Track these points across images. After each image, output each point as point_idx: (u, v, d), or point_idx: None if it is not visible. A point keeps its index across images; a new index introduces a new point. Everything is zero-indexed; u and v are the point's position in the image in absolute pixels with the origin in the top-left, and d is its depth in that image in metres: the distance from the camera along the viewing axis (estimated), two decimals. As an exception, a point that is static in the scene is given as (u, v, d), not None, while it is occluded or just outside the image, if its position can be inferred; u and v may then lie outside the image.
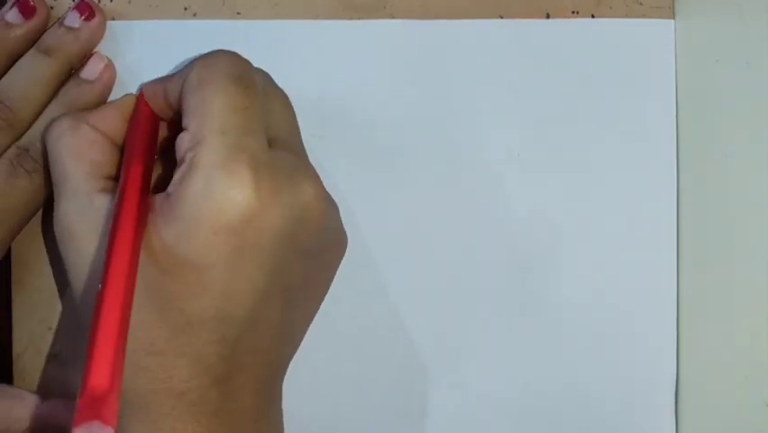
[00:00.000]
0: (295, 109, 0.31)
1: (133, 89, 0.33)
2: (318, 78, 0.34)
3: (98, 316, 0.24)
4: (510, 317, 0.35)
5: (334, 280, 0.31)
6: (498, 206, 0.35)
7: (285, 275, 0.28)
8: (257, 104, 0.27)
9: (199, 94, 0.27)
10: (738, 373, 0.31)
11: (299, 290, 0.29)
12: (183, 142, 0.27)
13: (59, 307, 0.34)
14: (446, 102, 0.34)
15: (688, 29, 0.34)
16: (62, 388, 0.33)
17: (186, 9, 0.34)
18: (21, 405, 0.30)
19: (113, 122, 0.30)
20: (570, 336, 0.35)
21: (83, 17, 0.32)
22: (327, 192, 0.29)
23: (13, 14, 0.31)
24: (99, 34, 0.33)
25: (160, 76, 0.32)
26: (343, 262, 0.31)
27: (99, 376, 0.23)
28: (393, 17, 0.34)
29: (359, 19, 0.34)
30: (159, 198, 0.27)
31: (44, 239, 0.33)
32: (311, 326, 0.31)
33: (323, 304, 0.31)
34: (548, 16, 0.35)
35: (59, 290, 0.34)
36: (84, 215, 0.28)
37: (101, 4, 0.33)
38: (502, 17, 0.35)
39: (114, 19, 0.33)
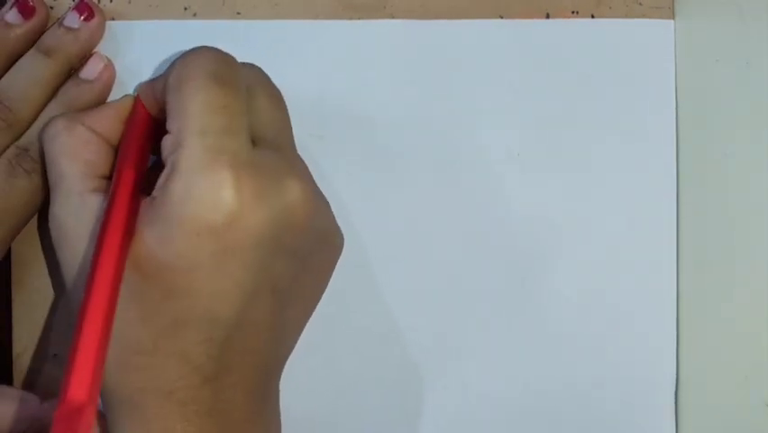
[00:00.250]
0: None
1: (133, 90, 0.33)
2: (318, 78, 0.34)
3: (80, 327, 0.24)
4: (510, 317, 0.35)
5: (333, 280, 0.31)
6: (498, 206, 0.35)
7: (272, 275, 0.27)
8: (238, 102, 0.27)
9: (178, 94, 0.27)
10: (738, 373, 0.31)
11: (290, 290, 0.29)
12: (166, 145, 0.27)
13: (59, 307, 0.34)
14: (446, 102, 0.34)
15: (688, 29, 0.34)
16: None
17: (186, 9, 0.34)
18: (20, 406, 0.30)
19: (108, 122, 0.30)
20: (570, 336, 0.35)
21: (82, 17, 0.32)
22: (317, 191, 0.29)
23: (12, 15, 0.31)
24: (99, 34, 0.33)
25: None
26: (342, 262, 0.31)
27: (77, 389, 0.23)
28: (393, 17, 0.34)
29: (359, 19, 0.34)
30: (145, 202, 0.27)
31: (44, 239, 0.33)
32: (309, 326, 0.31)
33: (321, 304, 0.31)
34: (548, 16, 0.35)
35: (58, 290, 0.33)
36: (77, 214, 0.28)
37: (101, 5, 0.33)
38: (502, 17, 0.35)
39: (113, 19, 0.33)
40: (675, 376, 0.35)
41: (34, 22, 0.32)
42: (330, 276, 0.31)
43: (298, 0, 0.34)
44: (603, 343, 0.35)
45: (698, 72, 0.34)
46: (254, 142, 0.28)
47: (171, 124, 0.27)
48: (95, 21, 0.32)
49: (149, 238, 0.26)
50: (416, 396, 0.35)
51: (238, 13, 0.34)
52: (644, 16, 0.35)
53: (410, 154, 0.34)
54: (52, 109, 0.31)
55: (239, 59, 0.29)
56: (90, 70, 0.32)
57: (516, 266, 0.35)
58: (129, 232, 0.26)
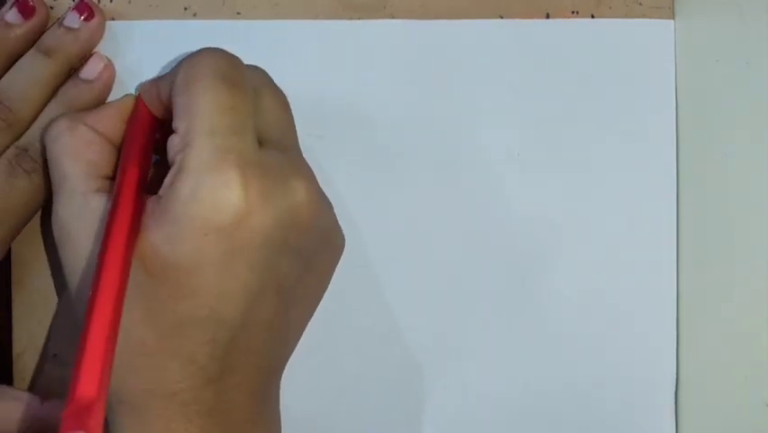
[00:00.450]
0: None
1: (133, 89, 0.33)
2: (318, 78, 0.34)
3: (88, 325, 0.24)
4: (510, 317, 0.35)
5: (333, 280, 0.31)
6: (498, 206, 0.35)
7: (277, 275, 0.28)
8: (245, 102, 0.27)
9: (186, 94, 0.27)
10: (738, 373, 0.31)
11: (293, 290, 0.29)
12: (173, 144, 0.27)
13: (59, 307, 0.33)
14: (446, 102, 0.34)
15: (688, 29, 0.34)
16: (62, 388, 0.33)
17: (186, 9, 0.34)
18: (21, 406, 0.30)
19: (111, 122, 0.30)
20: (570, 336, 0.35)
21: (82, 17, 0.32)
22: (321, 192, 0.29)
23: (12, 14, 0.31)
24: (99, 34, 0.33)
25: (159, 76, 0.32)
26: (342, 261, 0.31)
27: (86, 386, 0.23)
28: (393, 17, 0.34)
29: (359, 19, 0.34)
30: (151, 201, 0.27)
31: (44, 239, 0.33)
32: (310, 326, 0.31)
33: (321, 304, 0.31)
34: (548, 16, 0.35)
35: (58, 290, 0.34)
36: (80, 215, 0.28)
37: (101, 5, 0.33)
38: (502, 17, 0.35)
39: (114, 19, 0.33)
40: (675, 376, 0.35)
41: (34, 22, 0.32)
42: (331, 276, 0.31)
43: (298, 0, 0.34)
44: (603, 343, 0.35)
45: (698, 72, 0.34)
46: (260, 142, 0.28)
47: (178, 124, 0.27)
48: (95, 21, 0.32)
49: (155, 238, 0.26)
50: (416, 396, 0.35)
51: (238, 13, 0.34)
52: (644, 16, 0.35)
53: (410, 154, 0.34)
54: (52, 109, 0.31)
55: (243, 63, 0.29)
56: (90, 70, 0.32)
57: (516, 266, 0.35)
58: (134, 231, 0.26)
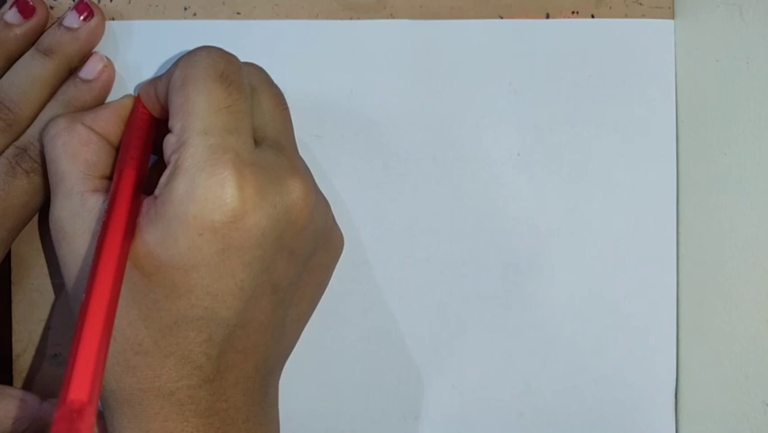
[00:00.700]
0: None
1: (132, 89, 0.33)
2: (318, 78, 0.34)
3: (81, 327, 0.24)
4: (510, 318, 0.35)
5: (333, 279, 0.31)
6: (497, 205, 0.35)
7: (273, 275, 0.28)
8: (241, 101, 0.27)
9: (182, 94, 0.27)
10: (738, 373, 0.31)
11: (290, 290, 0.29)
12: (169, 144, 0.27)
13: (58, 307, 0.34)
14: (446, 102, 0.34)
15: (688, 29, 0.34)
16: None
17: (186, 9, 0.34)
18: (20, 406, 0.30)
19: (109, 122, 0.30)
20: (570, 336, 0.35)
21: (82, 17, 0.32)
22: (318, 191, 0.29)
23: (12, 14, 0.31)
24: (98, 34, 0.33)
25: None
26: (341, 261, 0.31)
27: (79, 388, 0.23)
28: (393, 17, 0.34)
29: (359, 19, 0.34)
30: (147, 201, 0.27)
31: (44, 239, 0.33)
32: (309, 325, 0.31)
33: (320, 303, 0.31)
34: (548, 16, 0.35)
35: (58, 290, 0.34)
36: (77, 215, 0.28)
37: (101, 5, 0.33)
38: (502, 17, 0.35)
39: (113, 19, 0.33)
40: (675, 376, 0.35)
41: (34, 22, 0.32)
42: (330, 276, 0.31)
43: (298, 0, 0.34)
44: (603, 343, 0.35)
45: (698, 72, 0.34)
46: (256, 141, 0.28)
47: (174, 123, 0.27)
48: (94, 21, 0.32)
49: (151, 237, 0.26)
50: (415, 396, 0.35)
51: (238, 13, 0.34)
52: (644, 16, 0.35)
53: (410, 154, 0.34)
54: (52, 109, 0.31)
55: (240, 61, 0.29)
56: (89, 70, 0.32)
57: (516, 266, 0.35)
58: (130, 231, 0.26)
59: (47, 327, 0.34)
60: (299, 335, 0.31)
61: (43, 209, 0.32)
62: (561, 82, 0.35)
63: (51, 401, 0.30)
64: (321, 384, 0.34)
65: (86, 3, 0.32)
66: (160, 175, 0.27)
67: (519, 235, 0.35)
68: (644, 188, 0.35)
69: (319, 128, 0.34)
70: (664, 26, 0.35)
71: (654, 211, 0.35)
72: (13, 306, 0.33)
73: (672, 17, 0.35)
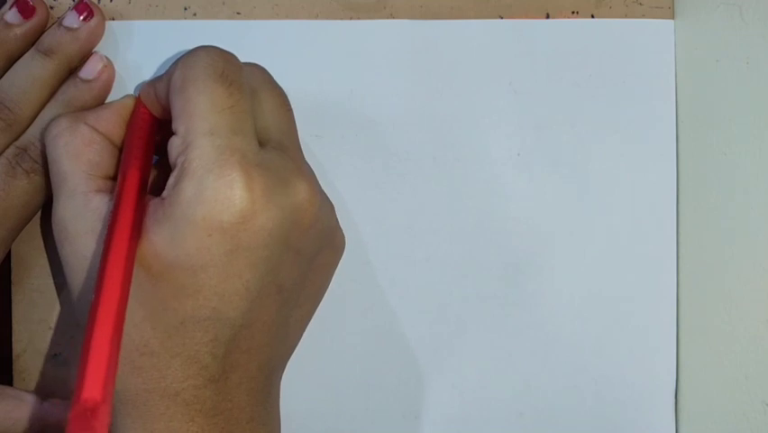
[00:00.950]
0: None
1: (133, 89, 0.33)
2: (318, 78, 0.34)
3: (92, 327, 0.24)
4: (510, 317, 0.35)
5: (333, 279, 0.31)
6: (498, 205, 0.35)
7: (279, 275, 0.28)
8: (243, 101, 0.27)
9: (184, 95, 0.27)
10: (738, 373, 0.31)
11: (294, 290, 0.29)
12: (174, 146, 0.27)
13: (58, 307, 0.34)
14: (446, 102, 0.34)
15: (688, 29, 0.34)
16: (62, 388, 0.33)
17: (186, 9, 0.34)
18: (20, 406, 0.30)
19: (111, 122, 0.30)
20: (570, 336, 0.35)
21: (82, 17, 0.32)
22: (322, 192, 0.29)
23: (12, 14, 0.31)
24: (98, 34, 0.33)
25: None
26: (342, 261, 0.31)
27: (92, 388, 0.23)
28: (393, 17, 0.34)
29: (359, 19, 0.34)
30: (154, 202, 0.27)
31: (44, 239, 0.33)
32: (310, 325, 0.31)
33: (322, 303, 0.31)
34: (548, 16, 0.35)
35: (58, 290, 0.34)
36: (80, 215, 0.28)
37: (101, 5, 0.33)
38: (502, 17, 0.35)
39: (113, 19, 0.33)
40: (675, 376, 0.35)
41: (34, 22, 0.32)
42: (332, 276, 0.31)
43: (298, 0, 0.34)
44: (603, 343, 0.35)
45: (698, 72, 0.34)
46: (261, 142, 0.28)
47: (178, 126, 0.27)
48: (94, 21, 0.32)
49: (158, 238, 0.26)
50: (415, 396, 0.35)
51: (238, 13, 0.34)
52: (644, 16, 0.35)
53: (410, 154, 0.34)
54: (52, 109, 0.31)
55: (240, 60, 0.29)
56: (89, 70, 0.32)
57: (516, 266, 0.35)
58: (136, 233, 0.26)
59: (47, 327, 0.34)
60: (302, 335, 0.31)
61: (43, 209, 0.32)
62: (561, 82, 0.35)
63: (51, 401, 0.30)
64: (321, 384, 0.34)
65: (86, 3, 0.32)
66: (161, 175, 0.27)
67: (519, 235, 0.35)
68: (644, 189, 0.35)
69: (319, 128, 0.34)
70: (664, 26, 0.35)
71: (654, 211, 0.35)
72: (13, 306, 0.33)
73: (672, 17, 0.35)
